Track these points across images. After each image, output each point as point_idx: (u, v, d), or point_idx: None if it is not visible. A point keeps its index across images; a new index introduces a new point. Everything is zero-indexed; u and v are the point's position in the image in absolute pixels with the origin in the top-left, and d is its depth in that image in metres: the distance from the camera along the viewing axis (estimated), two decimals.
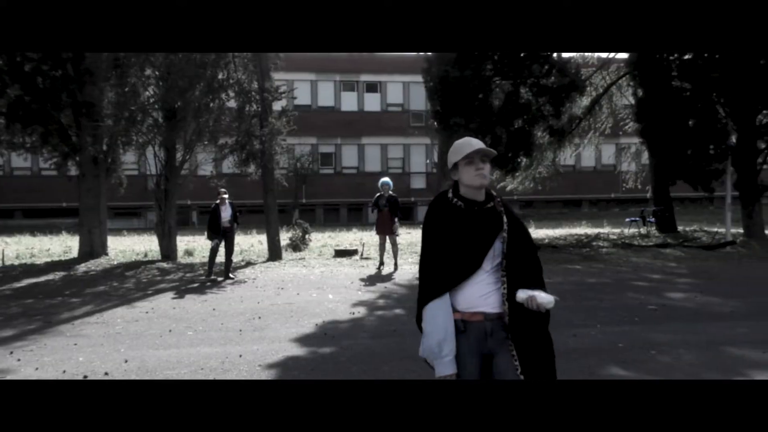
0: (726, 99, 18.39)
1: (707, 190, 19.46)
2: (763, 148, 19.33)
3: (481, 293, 2.90)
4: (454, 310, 2.89)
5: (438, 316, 2.85)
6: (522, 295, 2.83)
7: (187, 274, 13.59)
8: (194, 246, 18.21)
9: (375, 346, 7.04)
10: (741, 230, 19.12)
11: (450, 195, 3.02)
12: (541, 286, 2.95)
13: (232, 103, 16.54)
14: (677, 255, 15.90)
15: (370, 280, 12.37)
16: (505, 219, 2.97)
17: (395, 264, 14.06)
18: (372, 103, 35.28)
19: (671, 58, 18.70)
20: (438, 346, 2.84)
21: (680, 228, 21.86)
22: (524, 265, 2.95)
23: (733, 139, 18.32)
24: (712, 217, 27.89)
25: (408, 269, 13.84)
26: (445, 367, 2.87)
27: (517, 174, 21.77)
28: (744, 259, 14.94)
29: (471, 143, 2.96)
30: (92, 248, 15.90)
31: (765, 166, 19.54)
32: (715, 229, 21.50)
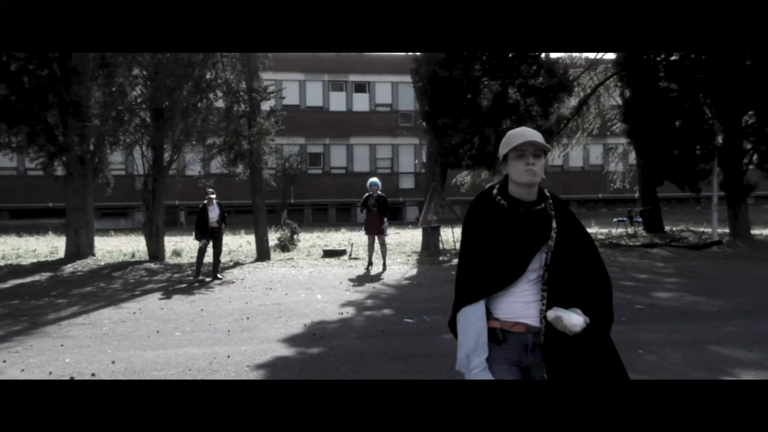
0: (712, 100, 18.52)
1: (694, 191, 19.59)
2: (749, 149, 19.47)
3: (524, 302, 2.58)
4: (495, 319, 2.60)
5: (470, 325, 2.57)
6: (551, 314, 2.51)
7: (175, 275, 13.53)
8: (182, 246, 18.14)
9: (363, 347, 7.03)
10: (727, 230, 19.25)
11: (495, 192, 2.71)
12: (596, 306, 2.58)
13: (220, 103, 16.50)
14: (664, 255, 15.98)
15: (359, 281, 12.37)
16: (554, 224, 2.61)
17: (384, 264, 14.06)
18: (360, 103, 35.27)
19: (658, 59, 18.80)
20: (467, 358, 2.58)
21: (667, 228, 21.99)
22: (573, 278, 2.57)
23: (720, 139, 18.45)
24: (698, 217, 28.06)
25: (397, 269, 13.84)
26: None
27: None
28: (730, 259, 15.03)
29: (525, 133, 2.61)
30: (79, 249, 15.80)
31: (751, 167, 19.69)
32: (702, 229, 21.63)
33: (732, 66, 17.28)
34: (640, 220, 22.31)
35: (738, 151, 18.80)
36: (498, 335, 2.58)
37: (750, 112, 19.12)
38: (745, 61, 17.51)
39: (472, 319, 2.56)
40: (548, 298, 2.55)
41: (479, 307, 2.57)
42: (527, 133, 2.61)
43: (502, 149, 2.69)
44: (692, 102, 18.48)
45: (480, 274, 2.58)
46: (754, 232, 19.61)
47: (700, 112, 18.66)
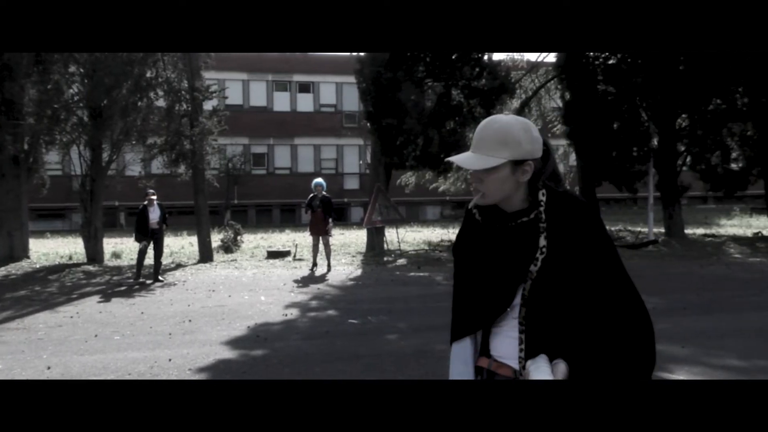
0: (648, 103, 19.06)
1: (631, 191, 20.16)
2: (683, 151, 20.11)
3: (513, 339, 2.00)
4: (486, 356, 2.09)
5: (453, 368, 2.15)
6: (528, 366, 1.92)
7: (115, 277, 13.24)
8: (122, 248, 17.74)
9: (307, 348, 7.01)
10: (663, 230, 19.83)
11: (471, 203, 2.12)
12: (602, 353, 1.88)
13: (161, 102, 16.19)
14: None
15: (303, 282, 12.31)
16: (543, 241, 1.94)
17: (328, 265, 14.03)
18: (305, 103, 35.08)
19: (597, 62, 19.26)
20: None
21: (606, 227, 22.52)
22: (566, 314, 1.91)
23: (655, 141, 19.03)
24: (635, 217, 28.82)
25: (341, 270, 13.83)
26: None
27: (449, 175, 22.04)
28: (665, 258, 15.49)
29: (469, 153, 2.02)
30: (12, 251, 15.31)
31: (684, 168, 20.34)
32: (639, 229, 22.23)
33: (666, 71, 17.81)
34: None
35: (672, 153, 19.39)
36: (483, 376, 2.10)
37: (683, 116, 19.76)
38: (678, 66, 18.08)
39: (455, 362, 2.15)
40: (527, 341, 1.96)
41: (464, 346, 2.12)
42: (469, 152, 2.02)
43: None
44: (629, 105, 19.00)
45: (463, 307, 2.13)
46: (688, 231, 20.25)
47: (636, 115, 19.20)
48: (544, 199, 1.98)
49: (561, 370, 1.88)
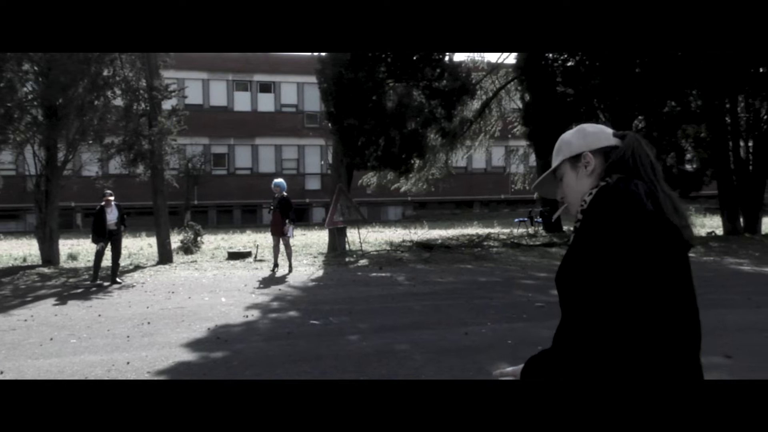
0: (606, 105, 19.38)
1: None
2: None
3: None
4: None
5: None
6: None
7: (71, 279, 12.99)
8: (79, 250, 17.42)
9: (269, 349, 6.97)
10: None
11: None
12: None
13: (118, 102, 15.93)
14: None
15: (265, 283, 12.24)
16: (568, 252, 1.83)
17: (290, 266, 13.95)
18: (266, 103, 34.86)
19: (555, 64, 19.52)
20: None
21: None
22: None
23: None
24: None
25: (303, 271, 13.77)
26: None
27: (411, 175, 22.09)
28: None
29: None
30: None
31: None
32: None
33: (623, 73, 18.13)
34: (539, 220, 23.06)
35: None
36: None
37: (640, 117, 20.13)
38: (634, 68, 18.42)
39: None
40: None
41: None
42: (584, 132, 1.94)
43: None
44: (587, 106, 19.29)
45: None
46: None
47: (594, 116, 19.50)
48: (587, 199, 1.81)
49: (506, 371, 1.88)
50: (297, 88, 34.99)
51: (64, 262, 15.51)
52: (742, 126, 20.68)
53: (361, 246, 17.65)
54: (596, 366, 1.63)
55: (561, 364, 1.69)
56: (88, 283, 12.39)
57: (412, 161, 18.88)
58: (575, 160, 1.90)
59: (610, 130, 1.90)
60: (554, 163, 1.96)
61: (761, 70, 19.51)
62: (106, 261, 12.82)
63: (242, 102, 34.53)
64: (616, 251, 1.63)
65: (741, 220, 20.14)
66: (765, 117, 20.25)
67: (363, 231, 19.97)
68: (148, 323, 8.47)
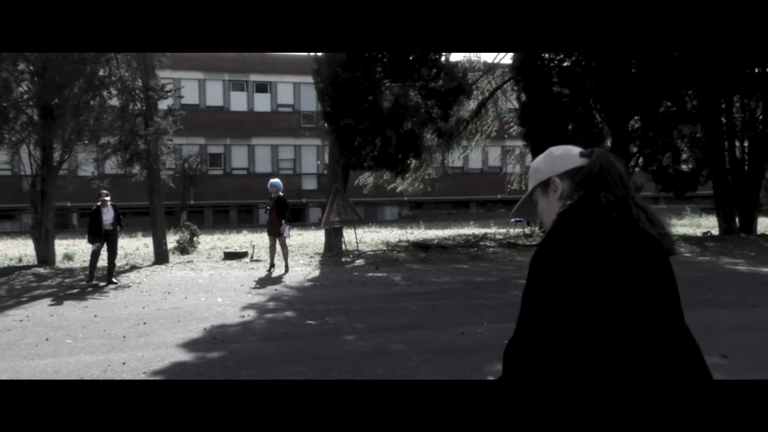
0: (602, 105, 19.40)
1: None
2: (635, 152, 20.52)
3: None
4: None
5: None
6: None
7: (67, 280, 12.96)
8: (74, 250, 17.38)
9: (265, 349, 6.96)
10: None
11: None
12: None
13: (114, 101, 15.90)
14: None
15: (261, 283, 12.23)
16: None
17: (286, 266, 13.94)
18: (262, 103, 34.83)
19: (552, 64, 19.53)
20: None
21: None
22: None
23: (608, 143, 19.38)
24: None
25: (299, 271, 13.76)
26: None
27: (407, 175, 22.08)
28: None
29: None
30: None
31: (637, 169, 20.75)
32: None
33: (619, 73, 18.16)
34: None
35: (625, 154, 19.76)
36: None
37: (635, 117, 20.16)
38: (630, 68, 18.45)
39: None
40: None
41: None
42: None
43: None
44: (583, 107, 19.30)
45: None
46: None
47: (590, 116, 19.52)
48: (553, 219, 1.85)
49: None
50: (293, 88, 34.97)
51: (59, 263, 15.48)
52: (738, 126, 20.71)
53: (357, 246, 17.64)
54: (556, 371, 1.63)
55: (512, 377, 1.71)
56: (84, 283, 12.37)
57: (409, 161, 18.87)
58: (545, 185, 1.93)
59: (577, 151, 1.92)
60: (528, 189, 2.01)
61: (757, 70, 19.56)
62: (102, 261, 12.80)
63: (238, 102, 34.50)
64: (570, 260, 1.65)
65: (737, 219, 20.18)
66: (760, 117, 20.29)
67: (359, 231, 19.97)
68: (144, 323, 8.46)
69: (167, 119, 15.91)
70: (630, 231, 1.68)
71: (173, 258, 15.98)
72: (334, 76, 16.39)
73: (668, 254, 1.74)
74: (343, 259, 15.68)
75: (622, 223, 1.68)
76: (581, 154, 1.89)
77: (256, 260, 15.61)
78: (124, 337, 7.66)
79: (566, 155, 1.92)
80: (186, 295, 10.76)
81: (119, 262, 14.32)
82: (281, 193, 13.96)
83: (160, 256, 15.54)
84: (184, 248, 17.16)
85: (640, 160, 20.90)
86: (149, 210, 16.14)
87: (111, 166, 17.40)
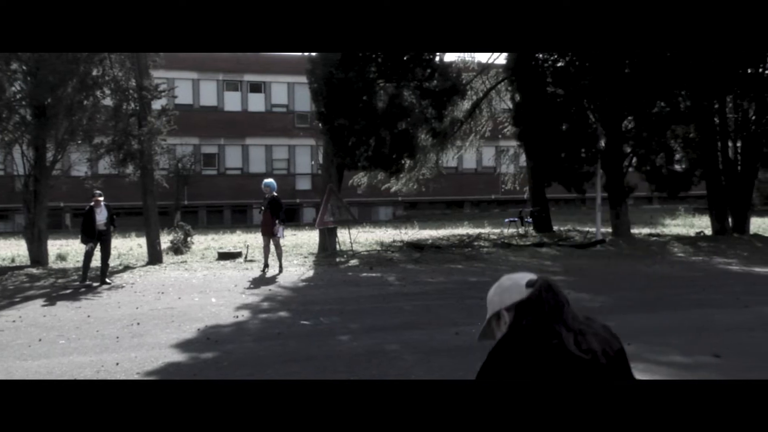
0: (595, 105, 19.43)
1: (579, 192, 20.54)
2: (629, 152, 20.57)
3: None
4: None
5: None
6: None
7: (60, 280, 12.92)
8: (68, 250, 17.32)
9: (259, 350, 6.95)
10: (610, 229, 20.24)
11: None
12: None
13: (108, 101, 15.85)
14: (552, 254, 16.63)
15: (255, 283, 12.21)
16: None
17: (280, 266, 13.92)
18: (256, 103, 34.77)
19: (546, 65, 19.56)
20: None
21: (555, 228, 22.87)
22: None
23: (602, 143, 19.42)
24: (584, 217, 29.33)
25: (293, 271, 13.75)
26: None
27: (402, 176, 22.09)
28: (612, 257, 15.81)
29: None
30: None
31: (630, 169, 20.81)
32: (587, 229, 22.63)
33: (612, 73, 18.19)
34: (530, 220, 23.08)
35: (619, 154, 19.82)
36: None
37: (629, 118, 20.21)
38: (624, 69, 18.49)
39: None
40: None
41: None
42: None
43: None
44: (577, 107, 19.34)
45: None
46: (634, 231, 20.71)
47: (584, 116, 19.56)
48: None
49: None
50: (287, 88, 34.92)
51: (52, 263, 15.42)
52: (731, 126, 20.78)
53: (351, 246, 17.63)
54: None
55: None
56: (77, 283, 12.32)
57: (403, 161, 18.88)
58: (497, 316, 2.20)
59: (524, 281, 2.14)
60: (486, 317, 2.28)
61: (749, 71, 19.62)
62: (96, 261, 12.76)
63: (232, 102, 34.43)
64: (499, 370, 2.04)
65: (729, 220, 20.25)
66: (753, 118, 20.36)
67: (353, 231, 19.96)
68: (138, 324, 8.43)
69: (161, 119, 15.86)
70: (549, 351, 1.93)
71: (167, 258, 15.95)
72: (328, 76, 16.37)
73: (597, 368, 1.95)
74: (338, 260, 15.67)
75: (543, 345, 1.95)
76: (527, 284, 2.12)
77: (250, 260, 15.58)
78: (117, 337, 7.64)
79: (514, 287, 2.16)
80: (180, 296, 10.73)
81: (113, 263, 14.27)
82: (275, 193, 13.94)
83: (154, 257, 15.51)
84: (177, 248, 17.12)
85: (634, 160, 20.95)
86: (143, 210, 16.10)
87: (104, 166, 17.36)
